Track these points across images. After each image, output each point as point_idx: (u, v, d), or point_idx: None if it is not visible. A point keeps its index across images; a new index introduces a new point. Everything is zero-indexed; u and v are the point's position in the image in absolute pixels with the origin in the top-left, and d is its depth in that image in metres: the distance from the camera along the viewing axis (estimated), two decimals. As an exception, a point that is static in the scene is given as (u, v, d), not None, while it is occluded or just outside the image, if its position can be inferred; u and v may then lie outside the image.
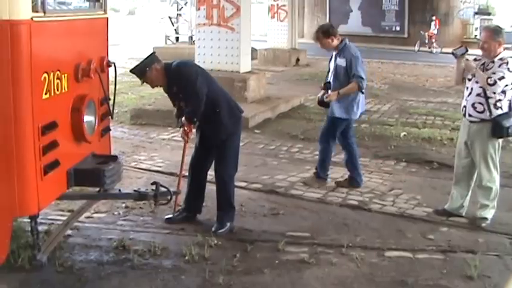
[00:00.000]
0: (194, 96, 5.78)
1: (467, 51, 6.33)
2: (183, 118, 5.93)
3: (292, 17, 23.29)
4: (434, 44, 30.46)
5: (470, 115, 6.23)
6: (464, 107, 6.32)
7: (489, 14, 36.04)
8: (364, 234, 6.09)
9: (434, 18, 31.58)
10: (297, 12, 25.25)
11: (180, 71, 5.86)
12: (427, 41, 30.89)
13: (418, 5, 34.11)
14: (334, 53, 7.49)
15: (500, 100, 6.05)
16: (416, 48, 30.60)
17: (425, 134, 10.64)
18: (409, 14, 34.79)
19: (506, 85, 6.00)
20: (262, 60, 22.44)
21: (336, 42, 7.37)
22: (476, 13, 35.01)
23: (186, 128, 5.94)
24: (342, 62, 7.31)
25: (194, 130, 6.13)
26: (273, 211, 6.69)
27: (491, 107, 6.06)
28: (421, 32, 31.45)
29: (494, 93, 6.01)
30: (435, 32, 31.06)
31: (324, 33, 7.39)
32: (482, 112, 6.12)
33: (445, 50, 29.25)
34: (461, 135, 6.49)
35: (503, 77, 5.97)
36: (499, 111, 6.06)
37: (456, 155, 6.60)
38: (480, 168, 6.25)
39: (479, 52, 6.31)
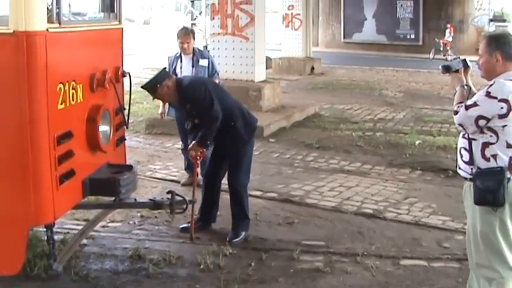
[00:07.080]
0: (209, 119, 5.75)
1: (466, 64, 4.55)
2: (195, 142, 5.88)
3: (307, 25, 23.30)
4: (450, 52, 30.29)
5: None
6: None
7: (504, 20, 35.84)
8: (379, 242, 6.07)
9: (449, 25, 31.43)
10: (312, 21, 25.27)
11: (192, 90, 5.82)
12: (442, 49, 30.71)
13: (433, 12, 34.00)
14: None
15: None
16: (431, 56, 30.45)
17: (441, 142, 10.57)
18: (424, 22, 34.67)
19: None
20: (277, 69, 22.46)
21: None
22: (491, 20, 34.80)
23: (194, 153, 5.92)
24: None
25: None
26: (288, 220, 6.69)
27: None
28: (436, 39, 31.30)
29: None
30: (450, 39, 30.90)
31: None
32: None
33: (460, 57, 29.13)
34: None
35: None
36: None
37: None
38: None
39: None
